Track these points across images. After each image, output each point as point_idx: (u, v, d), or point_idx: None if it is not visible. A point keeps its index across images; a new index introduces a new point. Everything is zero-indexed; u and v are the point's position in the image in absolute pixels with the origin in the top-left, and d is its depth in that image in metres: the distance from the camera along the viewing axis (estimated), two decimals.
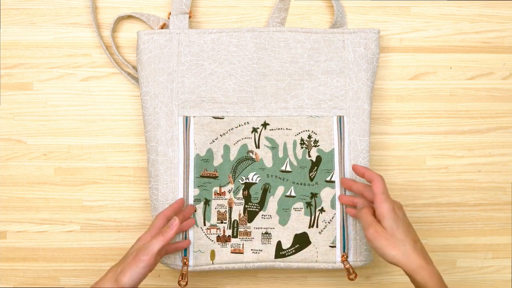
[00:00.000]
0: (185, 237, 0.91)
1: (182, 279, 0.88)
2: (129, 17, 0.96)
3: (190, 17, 0.94)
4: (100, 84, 0.97)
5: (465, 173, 0.99)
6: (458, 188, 0.99)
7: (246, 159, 0.92)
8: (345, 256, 0.91)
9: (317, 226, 0.92)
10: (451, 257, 1.00)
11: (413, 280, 0.81)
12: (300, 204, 0.92)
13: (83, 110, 0.97)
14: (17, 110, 0.97)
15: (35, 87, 0.97)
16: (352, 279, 0.89)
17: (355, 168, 0.88)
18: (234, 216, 0.92)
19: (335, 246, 0.92)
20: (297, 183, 0.92)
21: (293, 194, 0.92)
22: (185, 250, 0.91)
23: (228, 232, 0.91)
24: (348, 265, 0.91)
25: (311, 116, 0.92)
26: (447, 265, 0.99)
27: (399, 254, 0.81)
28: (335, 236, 0.92)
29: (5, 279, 0.98)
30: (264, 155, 0.92)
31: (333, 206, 0.92)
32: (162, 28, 0.94)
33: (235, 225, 0.92)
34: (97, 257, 0.98)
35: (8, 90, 0.97)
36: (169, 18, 0.93)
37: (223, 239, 0.91)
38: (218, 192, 0.91)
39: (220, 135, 0.91)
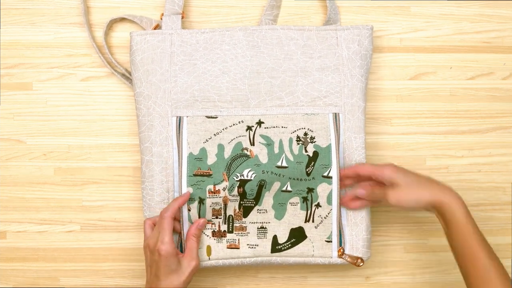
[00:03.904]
0: (181, 234, 0.91)
1: None
2: (123, 18, 0.96)
3: (183, 17, 0.94)
4: (100, 84, 0.97)
5: (465, 173, 0.99)
6: (458, 188, 0.98)
7: (240, 156, 0.91)
8: (341, 250, 0.91)
9: (313, 221, 0.92)
10: (451, 257, 0.99)
11: (444, 215, 0.84)
12: (296, 199, 0.91)
13: (83, 110, 0.97)
14: (17, 110, 0.97)
15: (35, 87, 0.97)
16: (359, 265, 0.90)
17: (362, 170, 0.90)
18: (229, 212, 0.91)
19: (331, 241, 0.92)
20: (294, 179, 0.91)
21: (289, 189, 0.91)
22: (181, 247, 0.91)
23: (224, 227, 0.91)
24: (348, 257, 0.91)
25: (306, 113, 0.92)
26: (447, 265, 0.99)
27: (427, 194, 0.85)
28: (331, 232, 0.92)
29: (5, 279, 0.98)
30: (259, 151, 0.91)
31: (329, 202, 0.91)
32: (155, 29, 0.94)
33: (231, 220, 0.91)
34: (97, 257, 0.98)
35: (8, 90, 0.97)
36: (161, 19, 0.93)
37: (218, 234, 0.91)
38: (212, 190, 0.91)
39: (214, 135, 0.91)
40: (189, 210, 0.91)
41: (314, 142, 0.92)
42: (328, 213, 0.92)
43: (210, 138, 0.91)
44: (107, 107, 0.97)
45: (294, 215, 0.92)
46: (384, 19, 0.98)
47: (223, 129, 0.91)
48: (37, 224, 0.98)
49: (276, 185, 0.91)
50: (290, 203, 0.92)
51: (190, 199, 0.91)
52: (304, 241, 0.92)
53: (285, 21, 0.97)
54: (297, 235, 0.92)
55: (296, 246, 0.92)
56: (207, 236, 0.91)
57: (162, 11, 0.96)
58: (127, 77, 0.96)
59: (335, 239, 0.92)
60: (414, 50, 0.99)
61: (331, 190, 0.91)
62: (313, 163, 0.91)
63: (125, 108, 0.97)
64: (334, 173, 0.91)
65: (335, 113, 0.92)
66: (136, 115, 0.92)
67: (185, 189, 0.91)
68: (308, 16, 0.98)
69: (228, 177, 0.91)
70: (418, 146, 0.99)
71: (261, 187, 0.91)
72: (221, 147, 0.91)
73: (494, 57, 0.99)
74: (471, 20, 0.99)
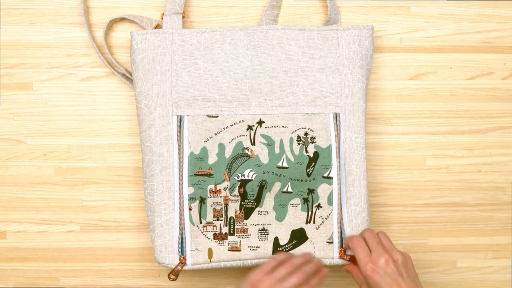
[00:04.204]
0: (182, 236, 0.91)
1: (172, 273, 0.89)
2: (123, 18, 0.96)
3: (183, 17, 0.94)
4: (100, 84, 0.97)
5: (465, 173, 0.99)
6: (458, 188, 0.99)
7: (241, 156, 0.91)
8: (343, 251, 0.91)
9: (314, 222, 0.92)
10: (451, 257, 1.00)
11: None
12: (297, 200, 0.92)
13: (83, 110, 0.97)
14: (17, 110, 0.97)
15: (35, 87, 0.97)
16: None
17: (345, 245, 0.91)
18: (230, 213, 0.91)
19: (332, 242, 0.92)
20: (294, 179, 0.91)
21: (290, 190, 0.91)
22: (182, 249, 0.91)
23: (225, 230, 0.91)
24: (349, 258, 0.91)
25: (307, 113, 0.92)
26: (447, 265, 0.99)
27: None
28: (332, 232, 0.92)
29: (5, 279, 0.98)
30: (260, 151, 0.91)
31: (330, 202, 0.92)
32: (155, 29, 0.94)
33: (232, 222, 0.91)
34: (97, 257, 0.98)
35: (8, 90, 0.97)
36: (162, 18, 0.93)
37: (220, 237, 0.91)
38: (214, 190, 0.91)
39: (215, 134, 0.91)
40: (190, 209, 0.91)
41: (315, 142, 0.92)
42: (329, 214, 0.92)
43: (210, 137, 0.91)
44: (107, 107, 0.97)
45: (295, 217, 0.92)
46: (384, 19, 0.98)
47: (223, 128, 0.91)
48: (37, 224, 0.98)
49: (277, 186, 0.91)
50: (291, 204, 0.92)
51: (192, 199, 0.91)
52: (306, 242, 0.92)
53: (285, 21, 0.97)
54: (298, 237, 0.92)
55: (298, 248, 0.92)
56: (208, 238, 0.91)
57: (162, 11, 0.96)
58: (127, 77, 0.96)
59: (336, 240, 0.92)
60: (414, 50, 0.99)
61: (332, 190, 0.91)
62: (313, 163, 0.91)
63: (125, 108, 0.97)
64: (334, 173, 0.91)
65: (336, 113, 0.92)
66: (137, 114, 0.92)
67: (186, 188, 0.91)
68: (308, 16, 0.98)
69: (229, 177, 0.91)
70: (418, 146, 0.99)
71: (262, 187, 0.91)
72: (221, 147, 0.91)
73: (494, 57, 0.99)
74: (471, 20, 0.99)
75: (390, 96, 0.99)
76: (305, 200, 0.92)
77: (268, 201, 0.92)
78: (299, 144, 0.92)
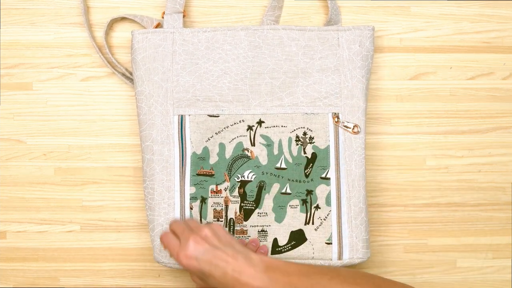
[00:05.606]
0: None
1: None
2: (124, 18, 0.96)
3: (184, 16, 0.94)
4: (100, 84, 0.97)
5: (465, 173, 0.99)
6: (458, 188, 0.99)
7: (241, 157, 0.92)
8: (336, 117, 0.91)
9: (312, 223, 0.92)
10: (451, 257, 1.00)
11: None
12: (295, 201, 0.92)
13: (83, 110, 0.97)
14: (17, 110, 0.97)
15: (35, 87, 0.97)
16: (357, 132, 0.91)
17: None
18: (230, 215, 0.91)
19: (331, 243, 0.92)
20: (293, 180, 0.91)
21: (288, 191, 0.92)
22: None
23: None
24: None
25: (306, 113, 0.92)
26: (447, 265, 0.99)
27: None
28: (331, 233, 0.92)
29: (5, 279, 0.98)
30: (259, 152, 0.92)
31: (328, 203, 0.92)
32: (156, 28, 0.94)
33: (231, 224, 0.92)
34: (97, 257, 0.98)
35: (8, 90, 0.97)
36: (163, 17, 0.93)
37: None
38: (215, 190, 0.91)
39: (216, 133, 0.91)
40: (191, 208, 0.91)
41: (313, 142, 0.92)
42: (327, 215, 0.92)
43: (211, 137, 0.91)
44: (107, 107, 0.97)
45: (294, 218, 0.92)
46: (384, 19, 0.98)
47: (224, 128, 0.92)
48: (37, 224, 0.98)
49: (276, 187, 0.91)
50: (289, 205, 0.92)
51: (193, 198, 0.91)
52: (304, 243, 0.92)
53: (285, 21, 0.97)
54: (297, 238, 0.92)
55: (296, 249, 0.92)
56: None
57: (162, 11, 0.96)
58: (128, 76, 0.96)
59: (335, 241, 0.92)
60: (414, 50, 0.99)
61: (330, 191, 0.91)
62: (311, 164, 0.92)
63: (125, 108, 0.97)
64: (332, 174, 0.92)
65: (335, 113, 0.92)
66: (137, 113, 0.92)
67: (188, 188, 0.91)
68: (308, 16, 0.98)
69: (230, 178, 0.91)
70: (418, 146, 0.99)
71: (261, 188, 0.91)
72: (222, 146, 0.91)
73: (494, 57, 0.99)
74: (471, 20, 0.99)
75: (390, 96, 0.99)
76: (304, 202, 0.92)
77: (267, 202, 0.92)
78: (297, 144, 0.92)
